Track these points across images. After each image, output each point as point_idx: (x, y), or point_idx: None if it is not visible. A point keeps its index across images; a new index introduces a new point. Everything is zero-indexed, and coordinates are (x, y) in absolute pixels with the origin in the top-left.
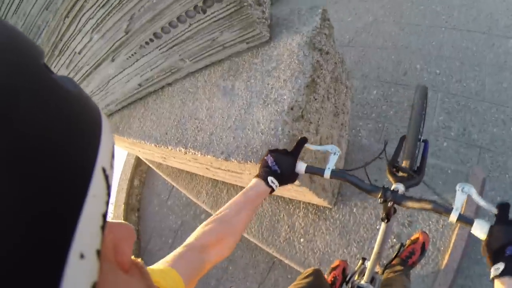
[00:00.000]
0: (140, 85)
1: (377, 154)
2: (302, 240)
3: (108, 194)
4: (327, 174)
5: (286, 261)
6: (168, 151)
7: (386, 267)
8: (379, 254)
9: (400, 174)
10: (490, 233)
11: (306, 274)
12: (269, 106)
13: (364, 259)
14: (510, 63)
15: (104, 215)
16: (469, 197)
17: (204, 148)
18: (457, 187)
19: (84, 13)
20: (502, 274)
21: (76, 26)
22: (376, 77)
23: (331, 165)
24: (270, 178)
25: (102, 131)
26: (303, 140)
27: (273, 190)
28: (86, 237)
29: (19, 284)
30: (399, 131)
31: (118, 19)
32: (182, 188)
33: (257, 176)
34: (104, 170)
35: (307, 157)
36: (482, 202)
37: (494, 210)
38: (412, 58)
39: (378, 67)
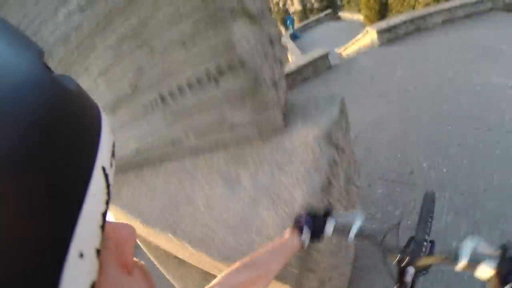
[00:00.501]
0: (137, 150)
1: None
2: None
3: (108, 193)
4: (351, 238)
5: None
6: (153, 233)
7: None
8: None
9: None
10: (497, 273)
11: None
12: (279, 208)
13: None
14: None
15: (104, 214)
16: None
17: (199, 242)
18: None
19: (94, 51)
20: None
21: (84, 63)
22: (381, 176)
23: (354, 229)
24: (305, 235)
25: (102, 130)
26: (330, 207)
27: (303, 247)
28: (85, 236)
29: (18, 283)
30: (403, 233)
31: (126, 68)
32: (169, 274)
33: (295, 228)
34: (104, 169)
35: None
36: (490, 250)
37: (497, 252)
38: (419, 156)
39: (384, 164)
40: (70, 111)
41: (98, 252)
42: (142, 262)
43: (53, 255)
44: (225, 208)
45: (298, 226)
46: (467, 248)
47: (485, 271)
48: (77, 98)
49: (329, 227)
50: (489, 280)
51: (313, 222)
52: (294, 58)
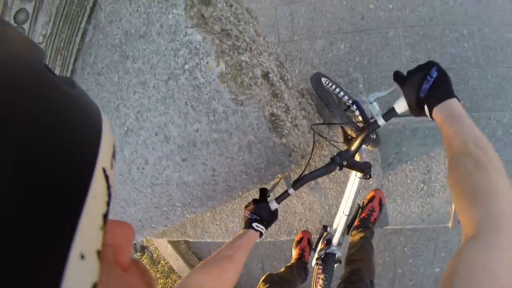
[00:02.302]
0: None
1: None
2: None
3: (109, 195)
4: (290, 191)
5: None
6: None
7: (350, 229)
8: (349, 215)
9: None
10: (406, 97)
11: (259, 286)
12: None
13: (325, 227)
14: None
15: (105, 216)
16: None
17: None
18: (367, 103)
19: None
20: (430, 110)
21: None
22: (338, 30)
23: (288, 185)
24: (254, 224)
25: (102, 132)
26: (264, 190)
27: (261, 233)
28: (86, 237)
29: (19, 285)
30: (378, 78)
31: None
32: None
33: (244, 228)
34: (104, 171)
35: None
36: (385, 92)
37: (397, 87)
38: None
39: (335, 17)
40: (71, 113)
41: (99, 253)
42: (140, 260)
43: (54, 257)
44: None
45: (248, 221)
46: (374, 109)
47: (401, 105)
48: (78, 99)
49: (272, 203)
50: (411, 110)
51: (258, 211)
52: None
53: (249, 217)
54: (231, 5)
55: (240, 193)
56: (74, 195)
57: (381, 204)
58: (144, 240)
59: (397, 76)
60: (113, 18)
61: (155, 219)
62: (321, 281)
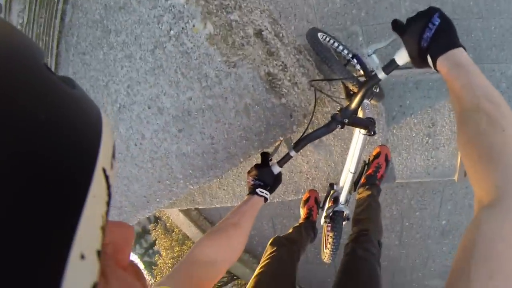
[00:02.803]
0: None
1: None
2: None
3: (109, 195)
4: (292, 153)
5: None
6: None
7: (356, 186)
8: (355, 173)
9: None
10: (407, 48)
11: (267, 251)
12: None
13: (332, 185)
14: None
15: (105, 216)
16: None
17: None
18: (366, 56)
19: None
20: (434, 61)
21: None
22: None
23: (289, 147)
24: (258, 190)
25: (102, 132)
26: (265, 154)
27: (266, 199)
28: (86, 237)
29: (20, 285)
30: (378, 30)
31: None
32: None
33: (248, 194)
34: (104, 171)
35: None
36: (385, 43)
37: (396, 37)
38: None
39: None
40: (71, 112)
41: (99, 253)
42: (136, 262)
43: (54, 257)
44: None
45: (251, 187)
46: (373, 62)
47: (402, 56)
48: (78, 100)
49: (275, 167)
50: (413, 62)
51: (261, 176)
52: None
53: (252, 182)
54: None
55: (242, 160)
56: (74, 195)
57: (387, 160)
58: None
59: (396, 25)
60: None
61: (159, 193)
62: (330, 239)
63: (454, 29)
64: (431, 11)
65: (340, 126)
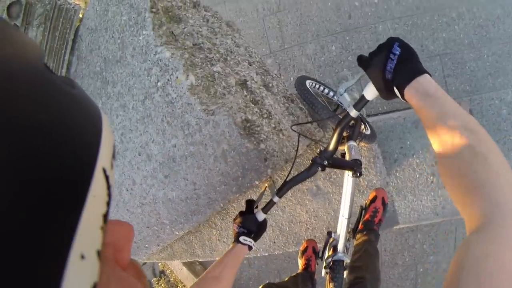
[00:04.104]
0: None
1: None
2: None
3: (109, 195)
4: (275, 199)
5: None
6: None
7: (354, 233)
8: (349, 218)
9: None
10: (372, 81)
11: None
12: None
13: (330, 233)
14: None
15: (105, 216)
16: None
17: None
18: (335, 98)
19: None
20: (401, 92)
21: None
22: (327, 32)
23: (273, 193)
24: (241, 238)
25: (102, 132)
26: (250, 202)
27: (250, 247)
28: (86, 238)
29: (20, 285)
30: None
31: None
32: None
33: (233, 242)
34: (104, 171)
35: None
36: (354, 79)
37: (363, 73)
38: None
39: (322, 20)
40: (71, 112)
41: (99, 253)
42: (137, 261)
43: (54, 257)
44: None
45: (236, 235)
46: (344, 100)
47: (370, 91)
48: (78, 100)
49: (259, 214)
50: (381, 95)
51: (245, 223)
52: None
53: (237, 230)
54: (207, 20)
55: (222, 205)
56: (74, 195)
57: (384, 203)
58: (159, 264)
59: (361, 60)
60: (93, 47)
61: (148, 239)
62: None
63: (416, 55)
64: (390, 42)
65: (320, 168)
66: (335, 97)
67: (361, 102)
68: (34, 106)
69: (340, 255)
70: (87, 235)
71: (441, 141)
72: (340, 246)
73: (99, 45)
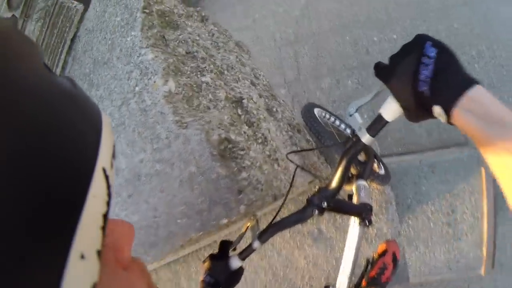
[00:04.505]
0: None
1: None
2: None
3: (109, 195)
4: (255, 245)
5: None
6: None
7: None
8: (351, 274)
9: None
10: (396, 96)
11: None
12: None
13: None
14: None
15: (105, 216)
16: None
17: None
18: (347, 117)
19: None
20: (447, 111)
21: None
22: (343, 67)
23: (254, 238)
24: None
25: (102, 131)
26: (225, 243)
27: None
28: (86, 237)
29: (20, 285)
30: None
31: None
32: None
33: None
34: (104, 170)
35: None
36: (369, 96)
37: (382, 88)
38: (366, 32)
39: (339, 54)
40: (71, 112)
41: (99, 253)
42: (139, 258)
43: (54, 257)
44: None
45: None
46: (354, 122)
47: (390, 109)
48: (77, 99)
49: (234, 260)
50: (407, 115)
51: (215, 272)
52: None
53: (202, 278)
54: (213, 34)
55: (181, 243)
56: (74, 195)
57: (395, 260)
58: None
59: (379, 69)
60: (87, 48)
61: None
62: None
63: (458, 58)
64: (419, 40)
65: (317, 211)
66: (347, 129)
67: (376, 124)
68: (33, 105)
69: None
70: (87, 235)
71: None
72: None
73: (92, 46)
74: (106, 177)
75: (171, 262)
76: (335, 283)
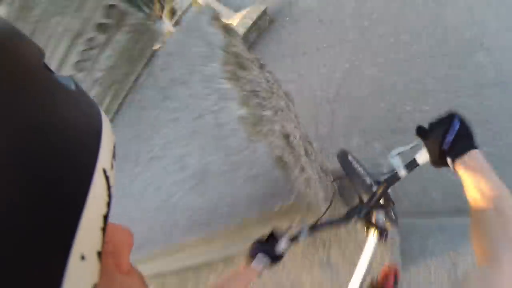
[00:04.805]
0: None
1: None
2: None
3: (109, 195)
4: (303, 235)
5: None
6: None
7: None
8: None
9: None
10: (429, 150)
11: None
12: None
13: None
14: (484, 79)
15: (105, 217)
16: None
17: None
18: (390, 160)
19: None
20: (454, 161)
21: None
22: (373, 130)
23: (305, 226)
24: (260, 254)
25: (102, 132)
26: (273, 232)
27: (259, 273)
28: (86, 238)
29: (21, 285)
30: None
31: None
32: None
33: (246, 261)
34: (104, 171)
35: None
36: (408, 146)
37: (418, 142)
38: (401, 100)
39: (372, 117)
40: (70, 112)
41: (99, 254)
42: (136, 267)
43: (54, 257)
44: None
45: (250, 256)
46: (396, 163)
47: (422, 157)
48: (78, 100)
49: (282, 244)
50: (432, 161)
51: (263, 247)
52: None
53: (254, 247)
54: (268, 81)
55: (236, 224)
56: (75, 196)
57: (396, 282)
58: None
59: (420, 131)
60: (165, 67)
61: (155, 239)
62: None
63: (471, 131)
64: (451, 117)
65: (358, 216)
66: (368, 179)
67: (412, 165)
68: (34, 106)
69: None
70: (88, 236)
71: (478, 207)
72: None
73: (171, 67)
74: (107, 178)
75: (180, 270)
76: None
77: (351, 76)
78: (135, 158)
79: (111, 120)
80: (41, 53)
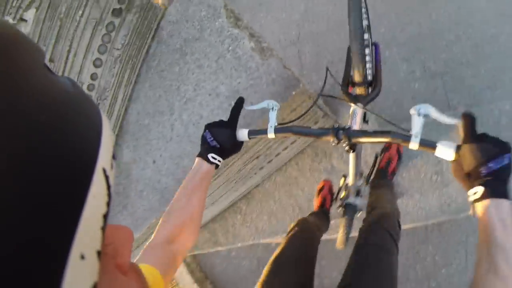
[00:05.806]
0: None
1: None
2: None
3: (109, 195)
4: (270, 132)
5: None
6: None
7: (368, 179)
8: (356, 174)
9: (357, 91)
10: (459, 154)
11: (290, 227)
12: None
13: (345, 176)
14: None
15: (105, 216)
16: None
17: None
18: (412, 111)
19: None
20: (482, 198)
21: None
22: (340, 60)
23: (272, 122)
24: (210, 155)
25: (102, 132)
26: (239, 104)
27: (217, 165)
28: (86, 238)
29: (20, 285)
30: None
31: None
32: None
33: (199, 155)
34: (104, 171)
35: None
36: (444, 118)
37: (459, 123)
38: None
39: (337, 49)
40: (70, 113)
41: (99, 253)
42: (137, 264)
43: (54, 257)
44: None
45: (204, 148)
46: (416, 124)
47: (447, 151)
48: (78, 100)
49: (243, 133)
50: (454, 167)
51: (219, 136)
52: None
53: (208, 141)
54: (253, 36)
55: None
56: (74, 196)
57: (399, 153)
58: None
59: (469, 121)
60: (173, 33)
61: None
62: (341, 229)
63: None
64: (507, 147)
65: (337, 136)
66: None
67: (429, 145)
68: (34, 106)
69: (351, 200)
70: (87, 235)
71: (487, 262)
72: (353, 189)
73: (179, 31)
74: (106, 178)
75: (208, 223)
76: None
77: (308, 15)
78: (169, 109)
79: (133, 90)
80: (41, 54)
